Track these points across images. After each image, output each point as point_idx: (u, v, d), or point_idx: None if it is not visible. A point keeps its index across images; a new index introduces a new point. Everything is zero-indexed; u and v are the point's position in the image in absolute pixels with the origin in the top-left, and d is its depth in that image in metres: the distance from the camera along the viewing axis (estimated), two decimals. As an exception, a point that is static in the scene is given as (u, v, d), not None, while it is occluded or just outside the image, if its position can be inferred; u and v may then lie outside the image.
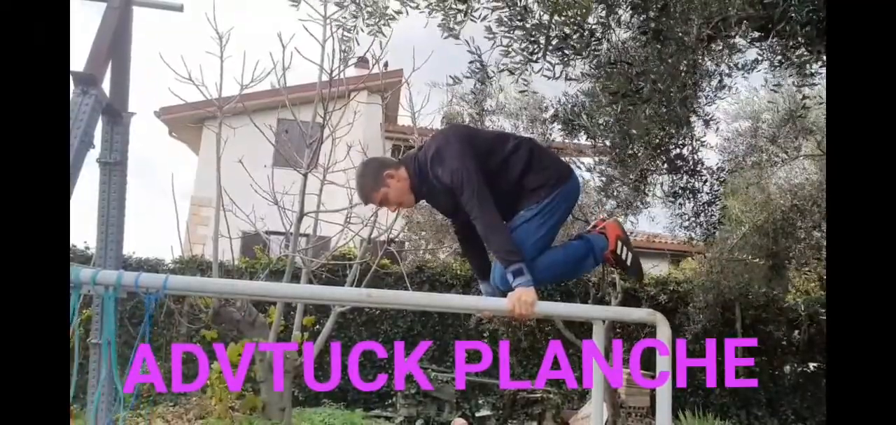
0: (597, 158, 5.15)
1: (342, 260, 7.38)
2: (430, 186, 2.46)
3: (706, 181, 5.46)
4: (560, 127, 4.74)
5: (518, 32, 3.21)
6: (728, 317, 9.75)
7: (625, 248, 2.60)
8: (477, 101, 5.71)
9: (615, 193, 5.29)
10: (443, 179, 2.36)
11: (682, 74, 3.41)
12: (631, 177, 4.78)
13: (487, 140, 2.52)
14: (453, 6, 3.23)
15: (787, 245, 7.40)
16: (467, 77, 3.62)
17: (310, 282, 5.44)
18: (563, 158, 3.02)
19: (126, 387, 2.52)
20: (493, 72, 3.63)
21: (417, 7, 3.29)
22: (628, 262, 2.63)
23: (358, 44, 3.68)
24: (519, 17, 3.20)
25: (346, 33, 3.53)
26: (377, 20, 3.39)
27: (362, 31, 3.48)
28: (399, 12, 3.37)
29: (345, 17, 3.48)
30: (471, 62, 3.54)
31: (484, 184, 2.27)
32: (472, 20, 3.32)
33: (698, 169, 5.27)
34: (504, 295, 2.27)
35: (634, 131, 4.04)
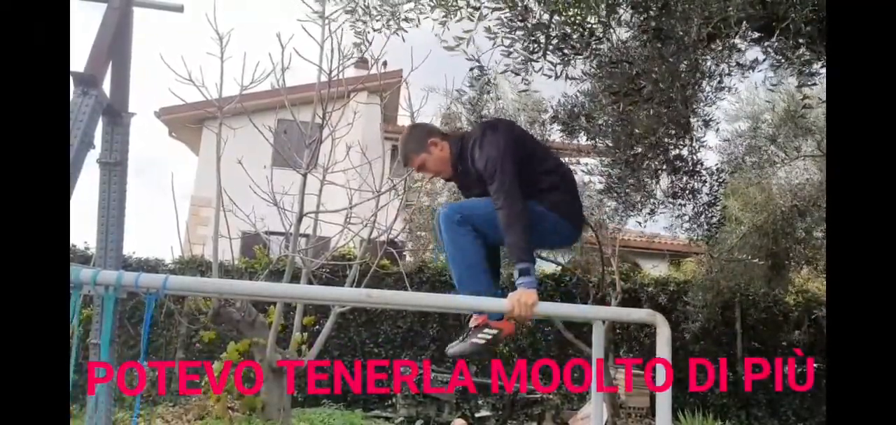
0: (599, 159, 5.13)
1: (342, 260, 7.38)
2: (465, 167, 2.53)
3: (705, 182, 5.45)
4: (559, 128, 4.73)
5: (519, 32, 3.20)
6: (728, 316, 9.74)
7: (487, 334, 2.40)
8: (475, 108, 5.68)
9: (616, 194, 5.27)
10: (477, 164, 2.42)
11: (683, 74, 3.41)
12: (641, 177, 4.75)
13: (532, 148, 2.58)
14: (454, 3, 3.20)
15: (787, 245, 7.39)
16: (470, 86, 3.58)
17: (310, 282, 5.43)
18: (563, 159, 2.99)
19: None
20: (494, 77, 3.58)
21: (428, 16, 3.25)
22: (476, 339, 2.41)
23: (369, 43, 3.57)
24: (519, 17, 3.19)
25: (356, 35, 3.46)
26: (387, 21, 3.33)
27: (376, 31, 3.39)
28: (410, 20, 3.32)
29: (357, 20, 3.38)
30: (471, 69, 3.50)
31: (516, 181, 2.32)
32: (469, 20, 3.29)
33: (698, 169, 5.26)
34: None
35: (638, 130, 4.02)
